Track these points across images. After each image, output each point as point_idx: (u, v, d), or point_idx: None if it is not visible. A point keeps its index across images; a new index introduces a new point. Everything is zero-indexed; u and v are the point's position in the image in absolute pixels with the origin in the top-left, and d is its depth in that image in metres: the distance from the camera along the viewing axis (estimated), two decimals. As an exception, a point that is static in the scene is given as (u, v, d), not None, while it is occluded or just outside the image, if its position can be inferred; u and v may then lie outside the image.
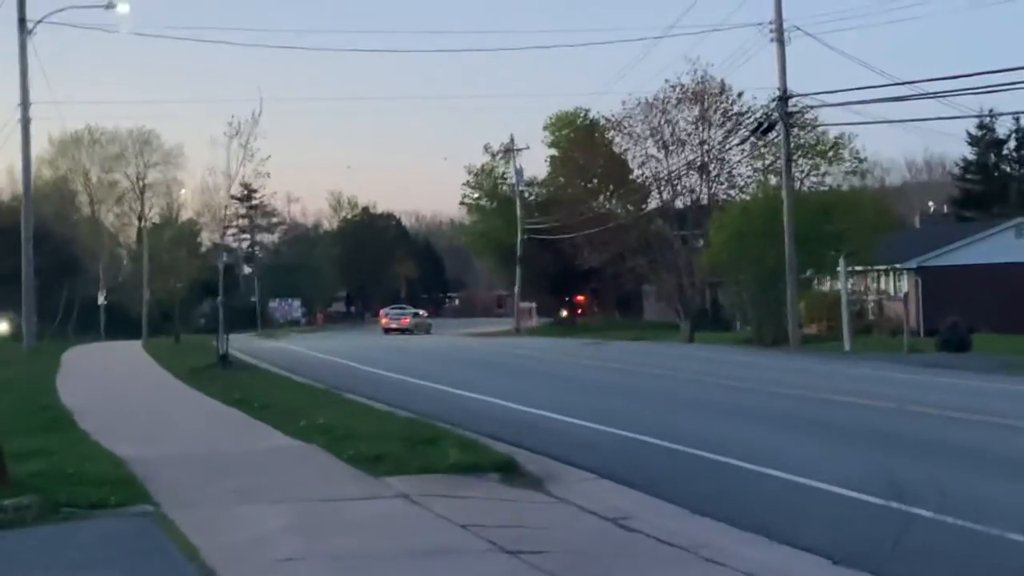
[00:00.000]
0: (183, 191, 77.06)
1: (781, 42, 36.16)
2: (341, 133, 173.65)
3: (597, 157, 59.68)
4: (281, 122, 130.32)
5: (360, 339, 53.21)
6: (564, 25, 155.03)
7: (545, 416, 15.26)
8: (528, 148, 74.02)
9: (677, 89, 51.67)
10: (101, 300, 61.64)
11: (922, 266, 47.09)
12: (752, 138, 45.12)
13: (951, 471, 10.47)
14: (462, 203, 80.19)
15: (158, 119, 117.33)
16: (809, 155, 51.41)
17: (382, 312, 74.76)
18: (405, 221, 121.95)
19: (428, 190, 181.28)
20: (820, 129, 50.56)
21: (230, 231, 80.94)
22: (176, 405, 17.03)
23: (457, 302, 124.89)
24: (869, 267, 45.99)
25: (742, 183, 53.64)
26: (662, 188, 55.35)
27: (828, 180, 52.13)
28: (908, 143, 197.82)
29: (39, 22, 35.16)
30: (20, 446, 10.39)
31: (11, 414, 14.48)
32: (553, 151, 69.65)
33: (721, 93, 51.63)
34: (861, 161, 53.23)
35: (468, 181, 77.92)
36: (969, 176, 67.21)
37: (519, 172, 72.48)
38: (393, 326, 67.94)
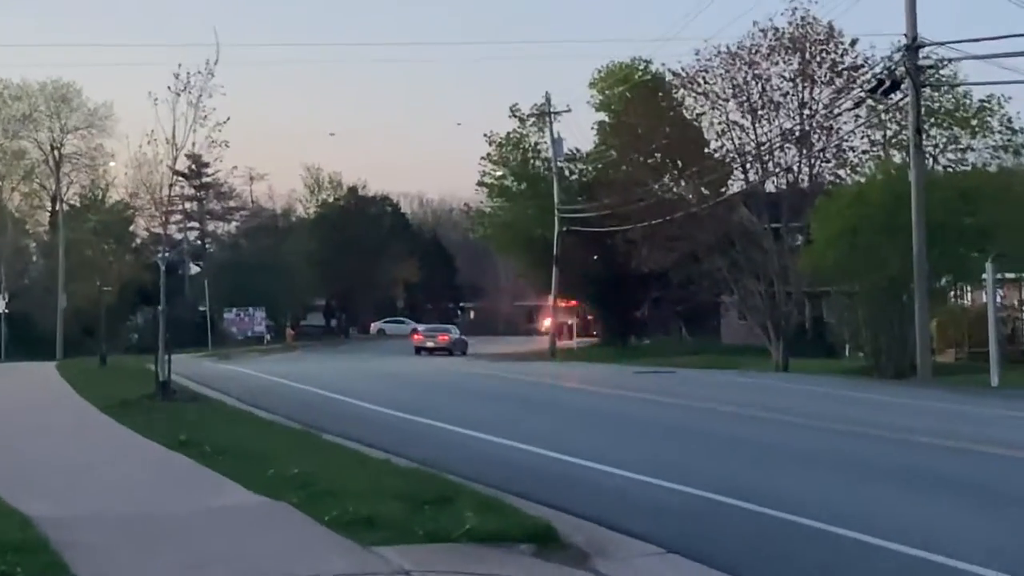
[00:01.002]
0: (112, 164, 77.34)
1: (910, -28, 36.07)
2: (322, 91, 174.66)
3: (661, 124, 59.63)
4: (243, 75, 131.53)
5: (344, 362, 53.26)
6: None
7: (592, 468, 15.23)
8: (569, 111, 74.16)
9: (769, 34, 51.72)
10: (1, 308, 62.08)
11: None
12: (870, 100, 44.88)
13: None
14: (481, 184, 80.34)
15: (80, 70, 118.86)
16: (946, 124, 51.24)
17: (417, 329, 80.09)
18: (405, 207, 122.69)
19: (435, 166, 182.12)
20: (960, 90, 50.46)
21: (174, 218, 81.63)
22: (103, 449, 17.02)
23: (472, 315, 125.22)
24: (1025, 274, 45.84)
25: (855, 160, 53.53)
26: (748, 166, 55.27)
27: (971, 157, 51.96)
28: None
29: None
30: None
31: None
32: (602, 115, 69.73)
33: (828, 40, 51.52)
34: (1015, 132, 52.96)
35: (489, 155, 78.10)
36: None
37: (557, 143, 72.52)
38: (429, 344, 71.71)
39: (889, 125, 51.10)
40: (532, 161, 77.12)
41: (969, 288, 49.18)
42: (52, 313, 62.04)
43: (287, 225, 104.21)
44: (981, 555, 9.98)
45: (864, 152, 53.46)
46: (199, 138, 26.60)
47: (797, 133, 52.67)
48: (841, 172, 53.64)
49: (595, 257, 68.74)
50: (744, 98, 53.24)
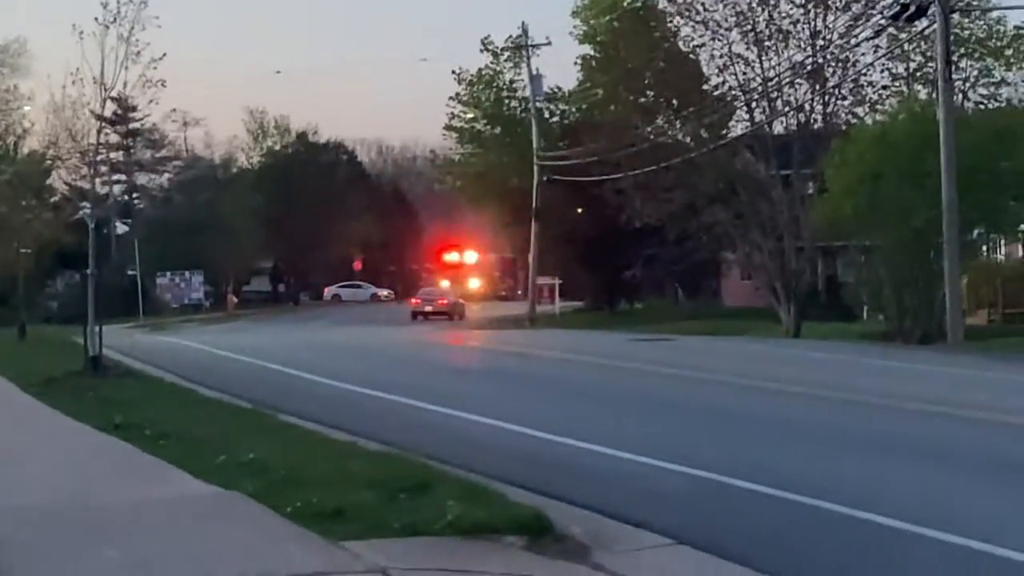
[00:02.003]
0: (27, 109, 76.85)
1: None
2: (266, 23, 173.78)
3: (654, 58, 59.47)
4: (179, 5, 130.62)
5: (294, 333, 53.27)
6: None
7: (587, 449, 15.27)
8: (549, 44, 73.90)
9: (777, -48, 51.56)
10: None
11: None
12: (891, 28, 44.90)
13: None
14: (449, 128, 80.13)
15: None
16: (977, 54, 51.25)
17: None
18: (361, 155, 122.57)
19: (396, 109, 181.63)
20: (994, 15, 50.51)
21: (100, 170, 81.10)
22: (26, 434, 17.03)
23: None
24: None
25: (875, 97, 53.56)
26: (753, 105, 55.21)
27: (1005, 92, 52.06)
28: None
29: None
30: None
31: None
32: (587, 48, 69.48)
33: (844, -41, 51.48)
34: (1056, 64, 53.16)
35: (458, 95, 77.94)
36: None
37: (536, 80, 72.36)
38: (427, 309, 76.21)
39: (913, 56, 51.16)
40: (507, 102, 76.99)
41: (1004, 241, 49.36)
42: (-41, 280, 61.63)
43: (227, 177, 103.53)
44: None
45: (885, 88, 53.54)
46: (131, 77, 26.48)
47: (809, 67, 52.63)
48: (859, 111, 53.65)
49: (580, 210, 68.68)
50: (749, 27, 53.13)
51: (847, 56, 52.36)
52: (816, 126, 53.05)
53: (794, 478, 12.86)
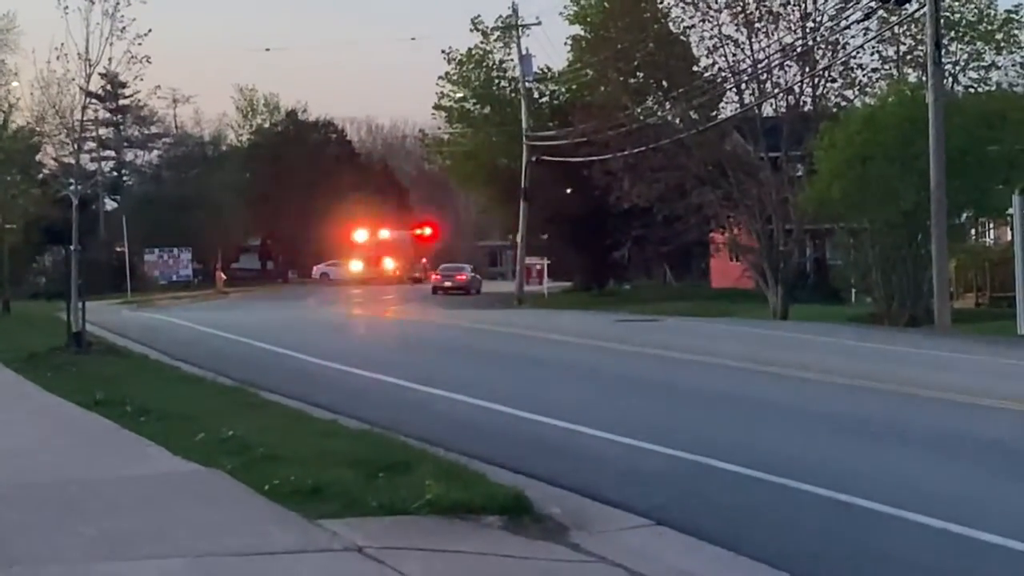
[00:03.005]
0: (15, 85, 76.64)
1: None
2: (256, 1, 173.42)
3: (644, 38, 59.41)
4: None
5: (282, 310, 53.17)
6: None
7: (568, 429, 15.28)
8: (539, 23, 73.82)
9: (768, -67, 51.48)
10: None
11: None
12: (881, 11, 44.82)
13: None
14: (438, 107, 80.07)
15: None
16: (967, 37, 51.20)
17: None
18: (351, 134, 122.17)
19: (386, 88, 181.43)
20: (984, -2, 50.42)
21: (87, 146, 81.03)
22: (6, 409, 17.00)
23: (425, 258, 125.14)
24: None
25: (864, 80, 53.50)
26: (743, 86, 55.16)
27: (995, 76, 52.04)
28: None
29: None
30: None
31: None
32: (577, 29, 69.36)
33: (835, -60, 51.41)
34: (1046, 48, 53.15)
35: (448, 74, 77.83)
36: None
37: (526, 60, 72.22)
38: (447, 284, 79.95)
39: (903, 39, 51.06)
40: (497, 81, 76.85)
41: (992, 224, 49.39)
42: (-54, 256, 61.51)
43: (217, 154, 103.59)
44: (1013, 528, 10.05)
45: (875, 70, 53.46)
46: (116, 53, 26.39)
47: (799, 49, 52.56)
48: (848, 93, 53.62)
49: (569, 191, 68.64)
50: (739, 8, 53.08)
51: (837, 39, 52.29)
52: (806, 108, 52.98)
53: (773, 459, 12.89)
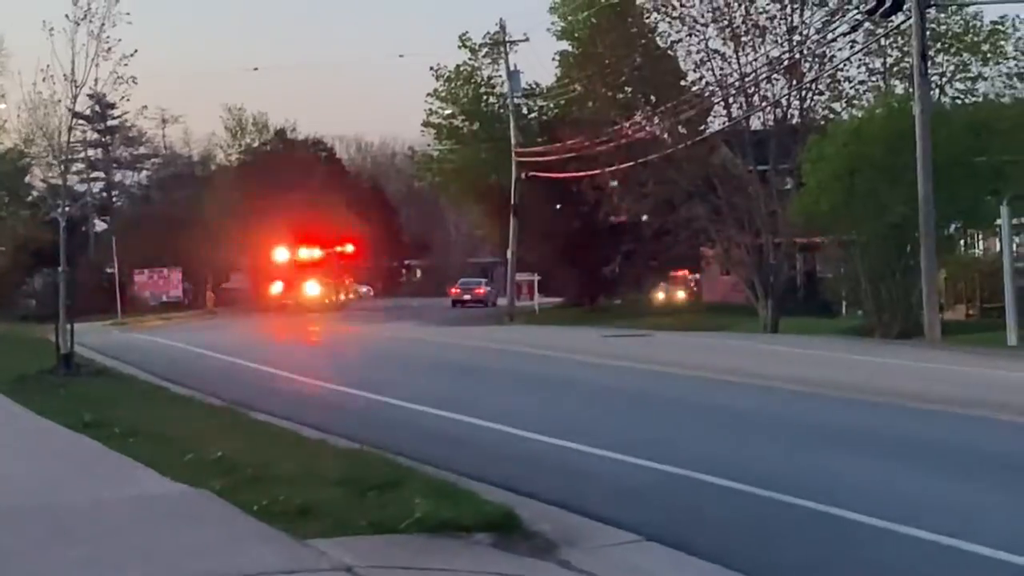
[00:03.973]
0: (2, 107, 76.69)
1: None
2: (244, 19, 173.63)
3: (631, 53, 59.53)
4: (153, 2, 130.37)
5: (273, 329, 53.20)
6: None
7: (557, 446, 15.29)
8: (527, 40, 73.89)
9: (754, -52, 51.58)
10: None
11: None
12: (868, 23, 44.94)
13: None
14: (427, 124, 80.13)
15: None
16: (953, 49, 51.30)
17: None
18: (340, 151, 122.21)
19: (375, 105, 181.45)
20: (970, 10, 50.54)
21: (75, 167, 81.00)
22: (-5, 431, 16.90)
23: (419, 273, 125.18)
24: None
25: (851, 92, 53.64)
26: (731, 100, 55.26)
27: (982, 87, 52.16)
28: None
29: None
30: None
31: None
32: (564, 44, 69.54)
33: (820, -46, 51.55)
34: (1032, 58, 53.26)
35: (436, 91, 77.91)
36: None
37: (514, 76, 72.39)
38: (466, 297, 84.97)
39: (890, 52, 51.17)
40: (485, 98, 76.95)
41: (981, 235, 49.42)
42: (-68, 277, 61.55)
43: (206, 174, 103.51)
44: (1005, 540, 10.04)
45: (862, 83, 53.59)
46: (102, 74, 26.43)
47: (786, 62, 52.68)
48: (836, 106, 53.72)
49: (559, 206, 68.68)
50: (726, 22, 53.20)
51: (824, 51, 52.44)
52: (793, 121, 53.09)
53: (762, 473, 12.88)
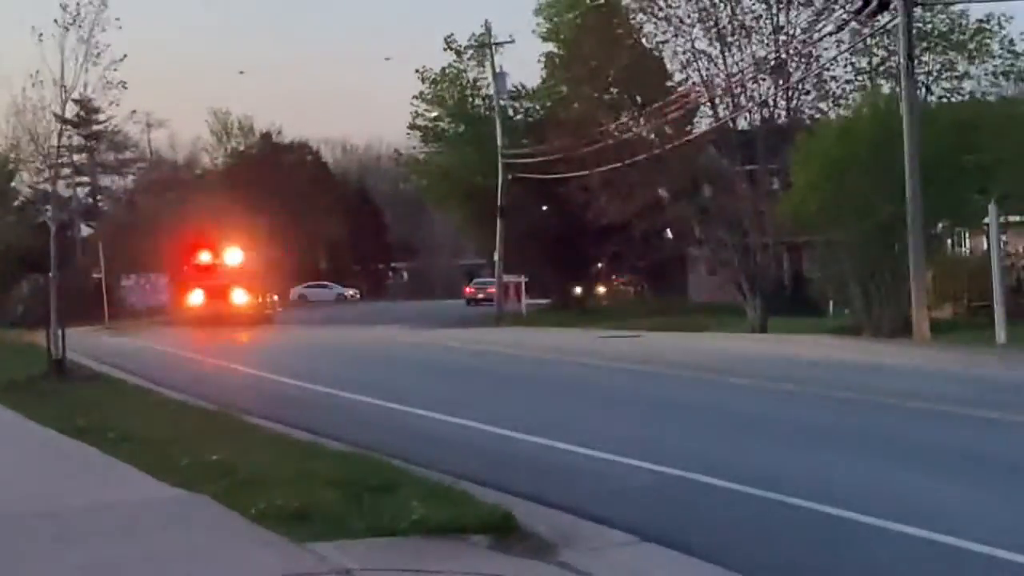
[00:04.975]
0: (-11, 112, 76.57)
1: None
2: (228, 21, 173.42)
3: (617, 54, 59.43)
4: (141, 6, 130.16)
5: (259, 332, 53.07)
6: None
7: (553, 447, 15.30)
8: (512, 42, 73.96)
9: (739, -53, 51.61)
10: None
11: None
12: (854, 23, 45.00)
13: None
14: (413, 127, 79.94)
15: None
16: (940, 48, 51.36)
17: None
18: (326, 154, 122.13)
19: (360, 108, 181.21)
20: (956, 9, 50.60)
21: (63, 172, 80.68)
22: (-12, 437, 16.90)
23: (405, 276, 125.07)
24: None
25: (838, 92, 53.59)
26: (717, 101, 55.24)
27: (968, 85, 52.23)
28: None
29: None
30: None
31: None
32: (550, 46, 69.55)
33: (806, -46, 51.57)
34: (1017, 56, 53.28)
35: (422, 93, 77.71)
36: None
37: (500, 78, 72.36)
38: (480, 296, 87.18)
39: (876, 51, 51.14)
40: (471, 100, 76.81)
41: (969, 234, 49.48)
42: (-79, 283, 61.34)
43: (192, 178, 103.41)
44: (991, 534, 10.10)
45: (848, 82, 53.49)
46: (92, 78, 26.42)
47: (772, 62, 52.70)
48: (823, 105, 53.64)
49: (545, 208, 68.63)
50: (712, 23, 53.11)
51: (810, 51, 52.39)
52: (780, 121, 53.03)
53: (756, 473, 12.90)
